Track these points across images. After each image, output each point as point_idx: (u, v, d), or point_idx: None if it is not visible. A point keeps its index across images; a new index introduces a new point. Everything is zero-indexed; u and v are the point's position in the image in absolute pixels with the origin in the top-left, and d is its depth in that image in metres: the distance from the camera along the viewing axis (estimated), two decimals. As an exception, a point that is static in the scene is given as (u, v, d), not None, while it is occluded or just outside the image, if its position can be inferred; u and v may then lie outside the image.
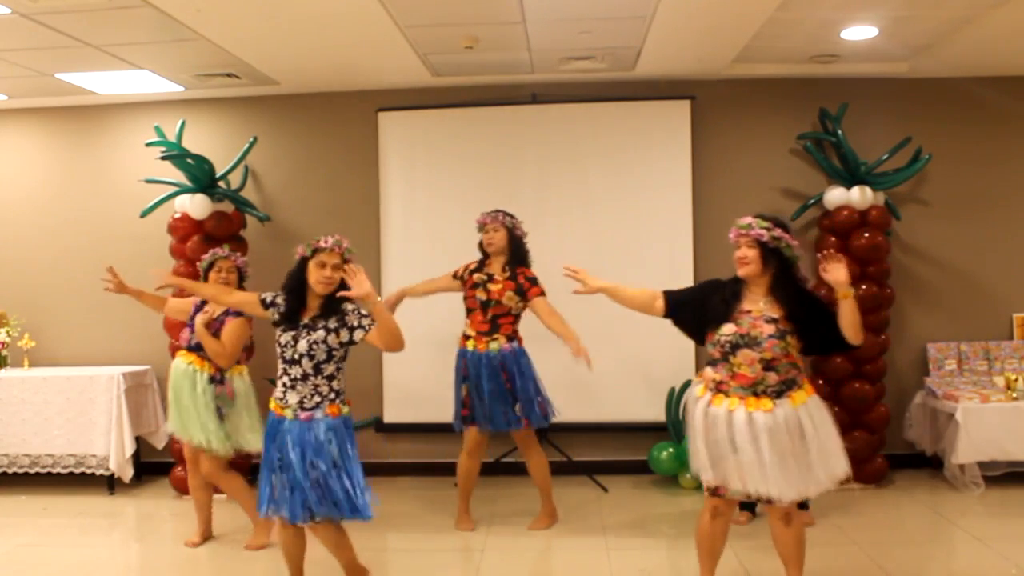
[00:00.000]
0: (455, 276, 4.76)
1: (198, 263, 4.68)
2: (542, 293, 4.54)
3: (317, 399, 3.36)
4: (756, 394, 3.18)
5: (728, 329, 3.24)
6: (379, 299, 3.32)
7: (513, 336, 4.60)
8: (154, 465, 5.98)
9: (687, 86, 5.81)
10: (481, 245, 4.70)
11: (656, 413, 5.67)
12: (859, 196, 5.36)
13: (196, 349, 4.34)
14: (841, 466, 3.20)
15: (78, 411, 5.51)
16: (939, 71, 5.64)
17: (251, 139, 5.90)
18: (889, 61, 5.51)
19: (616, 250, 5.71)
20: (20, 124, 6.27)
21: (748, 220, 3.28)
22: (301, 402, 3.36)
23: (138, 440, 5.76)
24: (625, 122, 5.81)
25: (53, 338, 6.15)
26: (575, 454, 5.75)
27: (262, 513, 3.43)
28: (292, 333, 3.37)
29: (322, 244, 3.39)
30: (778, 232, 3.23)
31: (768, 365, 3.18)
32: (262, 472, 3.43)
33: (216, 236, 5.51)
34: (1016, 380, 5.27)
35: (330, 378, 3.38)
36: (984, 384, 5.55)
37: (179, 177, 5.66)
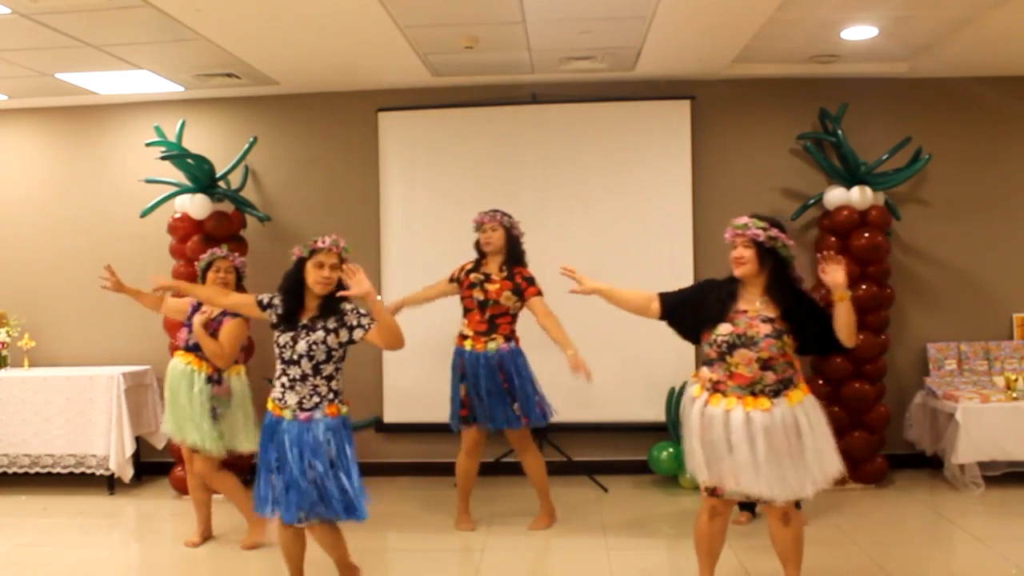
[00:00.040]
0: (451, 279, 4.76)
1: (196, 263, 4.68)
2: (539, 293, 4.53)
3: (316, 399, 3.36)
4: (754, 393, 3.18)
5: (725, 329, 3.24)
6: (379, 297, 3.32)
7: (511, 336, 4.59)
8: (154, 465, 5.99)
9: (687, 86, 5.81)
10: (478, 244, 4.70)
11: (656, 413, 5.67)
12: (859, 196, 5.36)
13: (194, 349, 4.33)
14: (835, 465, 3.20)
15: (78, 411, 5.51)
16: (939, 71, 5.64)
17: (251, 139, 5.90)
18: (889, 61, 5.51)
19: (616, 250, 5.71)
20: (20, 124, 6.27)
21: (744, 220, 3.28)
22: (300, 402, 3.36)
23: (138, 440, 5.76)
24: (625, 122, 5.81)
25: (53, 338, 6.15)
26: (575, 454, 5.75)
27: (260, 513, 3.43)
28: (291, 334, 3.37)
29: (319, 244, 3.39)
30: (774, 232, 3.23)
31: (765, 364, 3.18)
32: (259, 472, 3.43)
33: (216, 236, 5.51)
34: (1016, 380, 5.26)
35: (329, 378, 3.39)
36: (984, 384, 5.54)
37: (179, 177, 5.67)
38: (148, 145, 5.68)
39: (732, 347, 3.20)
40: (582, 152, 5.81)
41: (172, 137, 5.74)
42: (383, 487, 5.56)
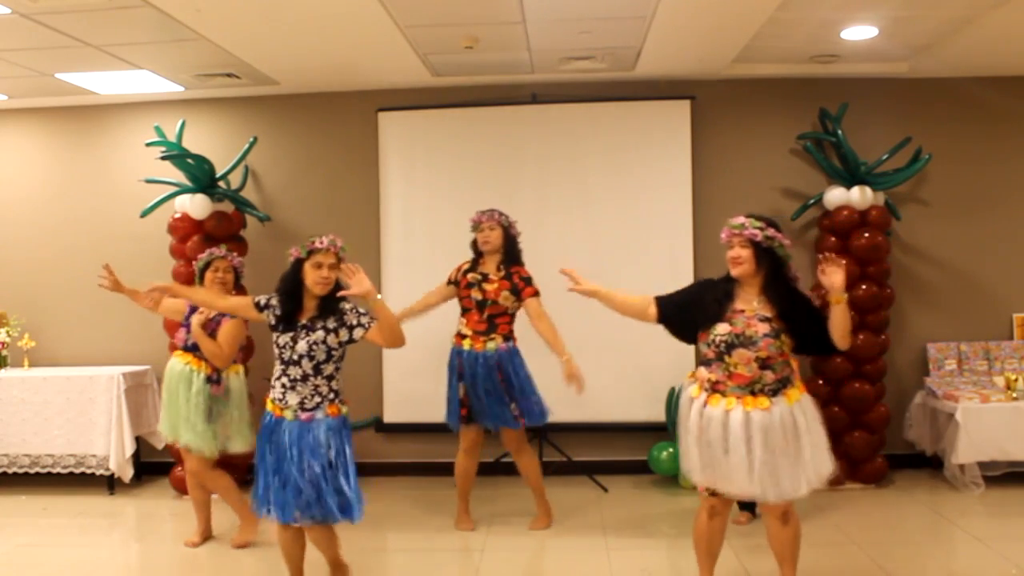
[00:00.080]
0: (449, 282, 4.74)
1: (195, 263, 4.68)
2: (536, 293, 4.52)
3: (317, 399, 3.36)
4: (753, 393, 3.18)
5: (722, 329, 3.24)
6: (379, 296, 3.33)
7: (509, 336, 4.59)
8: (154, 465, 5.99)
9: (687, 86, 5.81)
10: (475, 244, 4.70)
11: (656, 413, 5.67)
12: (859, 196, 5.36)
13: (193, 349, 4.33)
14: (827, 465, 3.21)
15: (78, 411, 5.51)
16: (939, 71, 5.64)
17: (251, 139, 5.90)
18: (889, 61, 5.51)
19: (616, 250, 5.71)
20: (20, 124, 6.27)
21: (741, 220, 3.28)
22: (302, 403, 3.36)
23: (138, 440, 5.76)
24: (625, 122, 5.81)
25: (53, 338, 6.15)
26: (575, 454, 5.75)
27: (260, 514, 3.43)
28: (290, 334, 3.38)
29: (317, 245, 3.40)
30: (771, 231, 3.23)
31: (764, 364, 3.18)
32: (257, 472, 3.43)
33: (216, 236, 5.51)
34: (1016, 380, 5.26)
35: (329, 378, 3.39)
36: (984, 384, 5.54)
37: (179, 177, 5.67)
38: (148, 145, 5.68)
39: (730, 347, 3.20)
40: (582, 152, 5.81)
41: (172, 137, 5.74)
42: (383, 487, 5.57)
